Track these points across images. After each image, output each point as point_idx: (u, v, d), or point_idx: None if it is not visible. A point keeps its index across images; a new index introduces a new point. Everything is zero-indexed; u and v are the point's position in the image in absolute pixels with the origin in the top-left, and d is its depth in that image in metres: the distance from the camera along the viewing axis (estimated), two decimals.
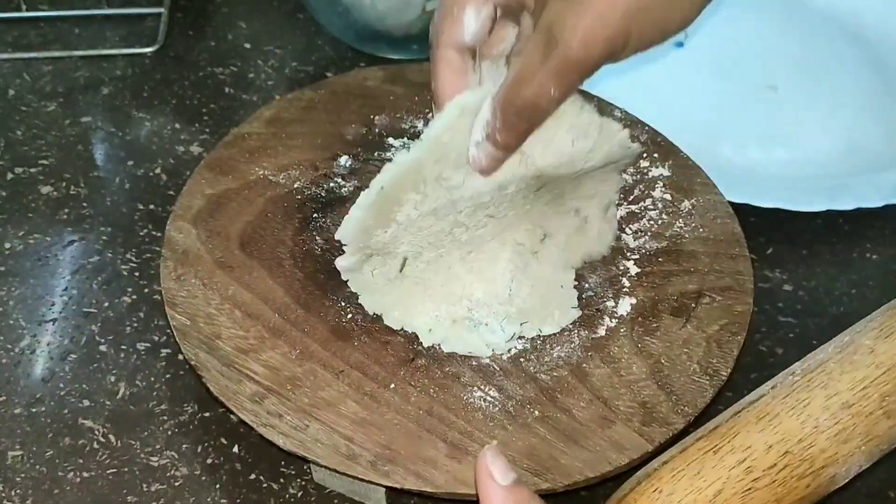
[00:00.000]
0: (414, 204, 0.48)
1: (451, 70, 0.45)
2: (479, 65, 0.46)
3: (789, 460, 0.39)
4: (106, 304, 0.59)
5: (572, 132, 0.47)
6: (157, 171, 0.67)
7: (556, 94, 0.41)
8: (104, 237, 0.63)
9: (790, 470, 0.39)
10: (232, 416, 0.53)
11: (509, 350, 0.52)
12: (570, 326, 0.54)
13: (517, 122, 0.42)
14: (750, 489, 0.38)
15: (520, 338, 0.53)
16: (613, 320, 0.54)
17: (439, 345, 0.52)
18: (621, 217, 0.60)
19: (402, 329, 0.53)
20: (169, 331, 0.53)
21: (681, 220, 0.59)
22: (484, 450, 0.36)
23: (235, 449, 0.52)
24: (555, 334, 0.53)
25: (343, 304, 0.54)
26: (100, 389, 0.55)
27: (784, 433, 0.39)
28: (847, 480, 0.41)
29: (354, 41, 0.76)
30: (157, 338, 0.57)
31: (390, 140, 0.64)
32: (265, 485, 0.51)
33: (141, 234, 0.63)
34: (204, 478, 0.51)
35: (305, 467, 0.52)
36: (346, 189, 0.60)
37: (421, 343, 0.52)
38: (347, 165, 0.62)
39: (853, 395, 0.40)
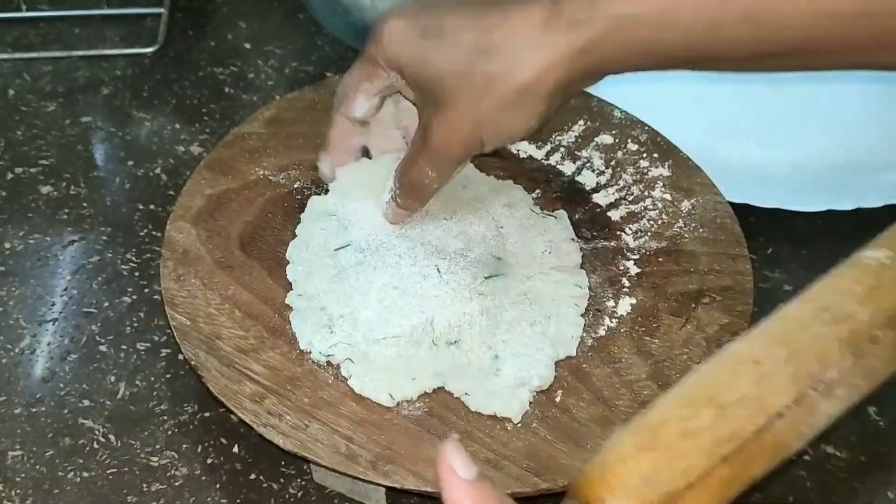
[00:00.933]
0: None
1: (340, 133, 0.57)
2: (369, 126, 0.58)
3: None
4: (106, 304, 0.59)
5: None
6: (157, 171, 0.67)
7: (434, 175, 0.52)
8: (104, 237, 0.63)
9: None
10: (232, 416, 0.53)
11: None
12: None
13: (410, 192, 0.54)
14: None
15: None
16: (613, 320, 0.54)
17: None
18: (621, 217, 0.60)
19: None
20: (169, 331, 0.53)
21: (681, 220, 0.59)
22: (443, 443, 0.35)
23: (235, 449, 0.52)
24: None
25: None
26: (100, 389, 0.55)
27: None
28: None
29: (354, 41, 0.75)
30: (157, 338, 0.57)
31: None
32: (265, 485, 0.51)
33: (141, 234, 0.63)
34: (204, 478, 0.51)
35: (305, 467, 0.52)
36: None
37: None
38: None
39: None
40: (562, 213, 0.59)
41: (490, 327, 0.51)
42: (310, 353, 0.51)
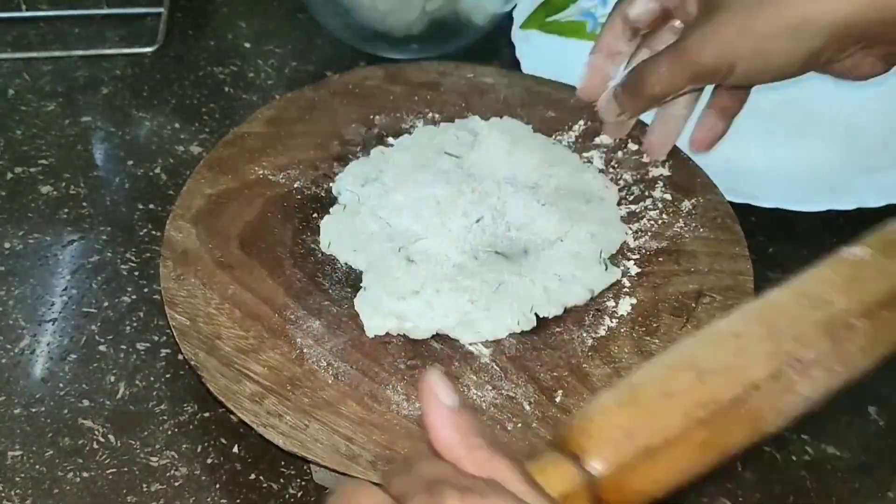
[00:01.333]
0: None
1: (612, 32, 0.56)
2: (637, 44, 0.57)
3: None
4: (106, 304, 0.59)
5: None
6: (157, 170, 0.67)
7: (666, 80, 0.50)
8: (104, 237, 0.63)
9: None
10: (232, 416, 0.53)
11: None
12: (571, 326, 0.54)
13: (632, 87, 0.52)
14: None
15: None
16: (613, 320, 0.54)
17: (457, 339, 0.52)
18: (621, 217, 0.60)
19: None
20: (169, 331, 0.53)
21: (681, 220, 0.59)
22: (427, 374, 0.35)
23: (235, 449, 0.52)
24: (555, 334, 0.53)
25: (343, 303, 0.54)
26: (100, 389, 0.55)
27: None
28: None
29: (354, 41, 0.75)
30: (157, 338, 0.57)
31: (390, 140, 0.64)
32: (265, 485, 0.51)
33: (141, 233, 0.63)
34: (204, 478, 0.51)
35: (305, 467, 0.52)
36: None
37: (421, 343, 0.52)
38: (347, 165, 0.62)
39: None
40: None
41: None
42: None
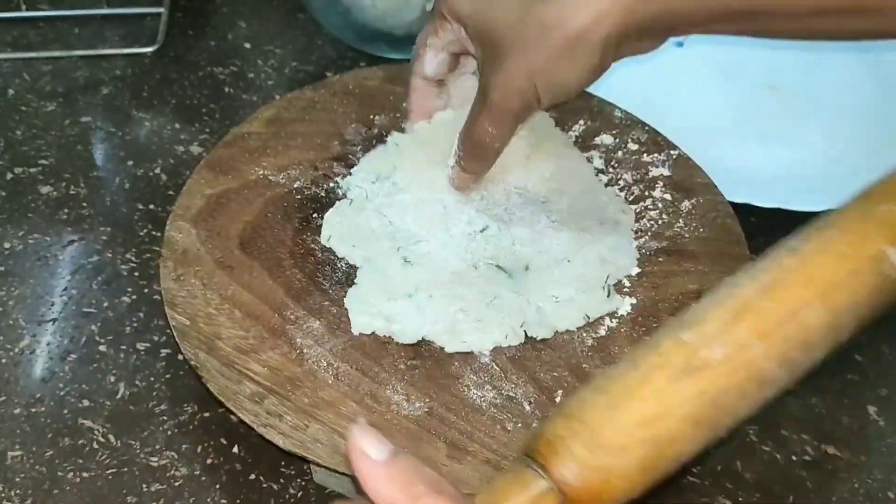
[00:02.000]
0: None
1: (418, 94, 0.59)
2: (448, 89, 0.60)
3: None
4: (106, 305, 0.59)
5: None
6: (157, 171, 0.67)
7: (496, 133, 0.52)
8: (104, 237, 0.63)
9: None
10: (232, 416, 0.53)
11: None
12: (571, 326, 0.54)
13: (473, 153, 0.54)
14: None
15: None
16: (613, 320, 0.54)
17: (441, 346, 0.52)
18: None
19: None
20: (169, 331, 0.53)
21: (681, 220, 0.59)
22: (350, 429, 0.33)
23: (235, 449, 0.52)
24: (555, 334, 0.53)
25: (343, 304, 0.54)
26: (99, 389, 0.55)
27: None
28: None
29: (354, 41, 0.75)
30: (156, 338, 0.57)
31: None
32: (265, 485, 0.51)
33: (141, 234, 0.63)
34: (204, 478, 0.51)
35: (305, 467, 0.52)
36: (345, 189, 0.60)
37: (421, 344, 0.52)
38: (347, 165, 0.62)
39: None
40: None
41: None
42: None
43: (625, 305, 0.55)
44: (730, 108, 0.72)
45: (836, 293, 0.39)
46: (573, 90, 0.50)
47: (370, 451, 0.33)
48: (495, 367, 0.51)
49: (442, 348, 0.52)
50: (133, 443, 0.52)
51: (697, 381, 0.36)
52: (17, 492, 0.50)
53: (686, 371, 0.36)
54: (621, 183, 0.62)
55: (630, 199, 0.61)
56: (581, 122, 0.65)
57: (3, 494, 0.50)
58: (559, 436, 0.35)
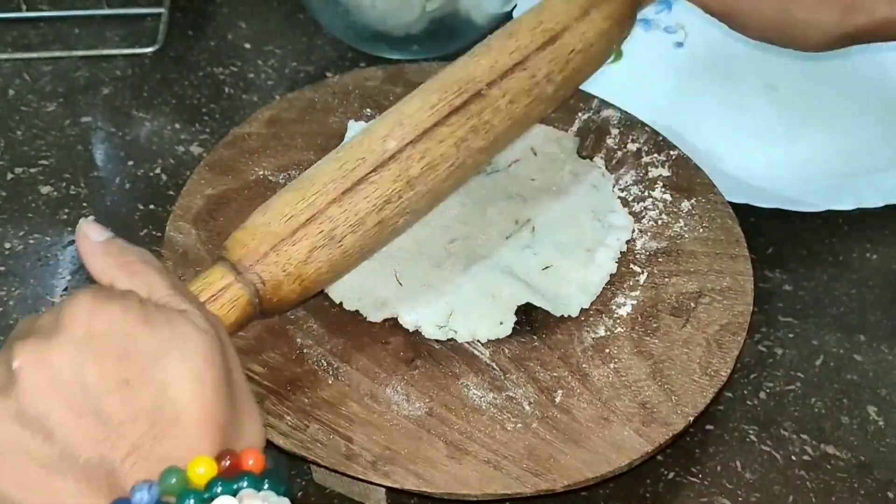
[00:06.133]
0: None
1: None
2: None
3: None
4: None
5: None
6: (157, 171, 0.67)
7: None
8: None
9: None
10: None
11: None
12: (570, 326, 0.54)
13: None
14: None
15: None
16: (613, 320, 0.54)
17: (437, 342, 0.52)
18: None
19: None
20: None
21: (681, 220, 0.59)
22: (78, 225, 0.40)
23: None
24: (555, 334, 0.53)
25: (343, 304, 0.54)
26: None
27: None
28: None
29: (354, 41, 0.75)
30: None
31: None
32: None
33: (141, 234, 0.63)
34: None
35: (305, 467, 0.52)
36: None
37: (421, 343, 0.52)
38: None
39: None
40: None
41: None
42: None
43: (625, 306, 0.55)
44: (730, 108, 0.72)
45: None
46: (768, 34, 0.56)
47: (90, 234, 0.40)
48: (495, 367, 0.51)
49: (442, 348, 0.52)
50: None
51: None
52: None
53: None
54: (621, 183, 0.62)
55: (630, 199, 0.61)
56: (581, 122, 0.65)
57: None
58: (241, 239, 0.47)
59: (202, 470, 0.33)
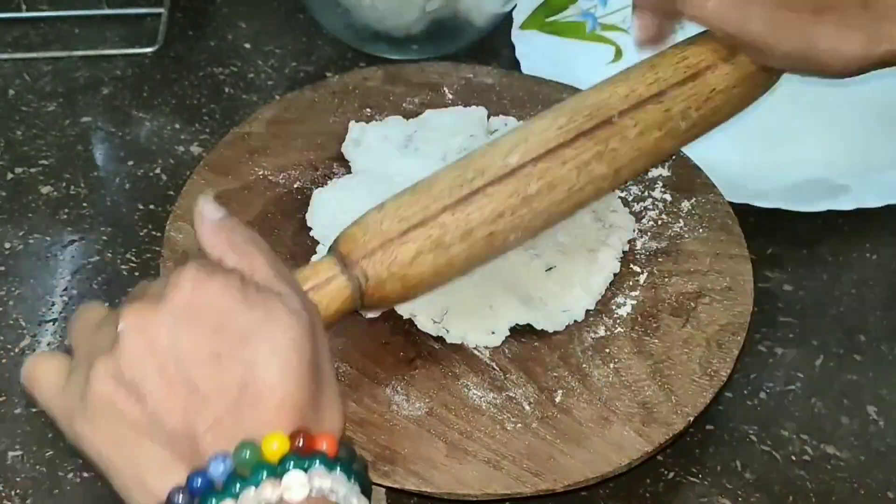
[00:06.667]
0: None
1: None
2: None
3: None
4: (106, 305, 0.59)
5: None
6: (157, 171, 0.67)
7: None
8: (104, 237, 0.63)
9: None
10: None
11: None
12: (571, 326, 0.54)
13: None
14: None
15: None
16: (613, 320, 0.54)
17: (439, 340, 0.52)
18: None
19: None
20: None
21: (681, 220, 0.59)
22: (197, 198, 0.42)
23: None
24: (555, 334, 0.53)
25: None
26: None
27: None
28: None
29: (354, 41, 0.75)
30: None
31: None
32: None
33: (141, 234, 0.63)
34: None
35: None
36: None
37: (421, 343, 0.52)
38: (347, 165, 0.62)
39: None
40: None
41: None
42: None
43: (625, 306, 0.55)
44: None
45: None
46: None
47: (206, 212, 0.41)
48: (495, 367, 0.51)
49: (442, 348, 0.52)
50: None
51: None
52: (17, 492, 0.50)
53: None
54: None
55: (630, 198, 0.61)
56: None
57: (3, 494, 0.50)
58: (352, 234, 0.48)
59: (276, 445, 0.34)
